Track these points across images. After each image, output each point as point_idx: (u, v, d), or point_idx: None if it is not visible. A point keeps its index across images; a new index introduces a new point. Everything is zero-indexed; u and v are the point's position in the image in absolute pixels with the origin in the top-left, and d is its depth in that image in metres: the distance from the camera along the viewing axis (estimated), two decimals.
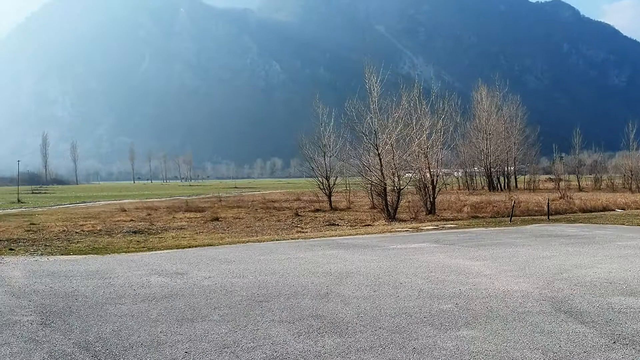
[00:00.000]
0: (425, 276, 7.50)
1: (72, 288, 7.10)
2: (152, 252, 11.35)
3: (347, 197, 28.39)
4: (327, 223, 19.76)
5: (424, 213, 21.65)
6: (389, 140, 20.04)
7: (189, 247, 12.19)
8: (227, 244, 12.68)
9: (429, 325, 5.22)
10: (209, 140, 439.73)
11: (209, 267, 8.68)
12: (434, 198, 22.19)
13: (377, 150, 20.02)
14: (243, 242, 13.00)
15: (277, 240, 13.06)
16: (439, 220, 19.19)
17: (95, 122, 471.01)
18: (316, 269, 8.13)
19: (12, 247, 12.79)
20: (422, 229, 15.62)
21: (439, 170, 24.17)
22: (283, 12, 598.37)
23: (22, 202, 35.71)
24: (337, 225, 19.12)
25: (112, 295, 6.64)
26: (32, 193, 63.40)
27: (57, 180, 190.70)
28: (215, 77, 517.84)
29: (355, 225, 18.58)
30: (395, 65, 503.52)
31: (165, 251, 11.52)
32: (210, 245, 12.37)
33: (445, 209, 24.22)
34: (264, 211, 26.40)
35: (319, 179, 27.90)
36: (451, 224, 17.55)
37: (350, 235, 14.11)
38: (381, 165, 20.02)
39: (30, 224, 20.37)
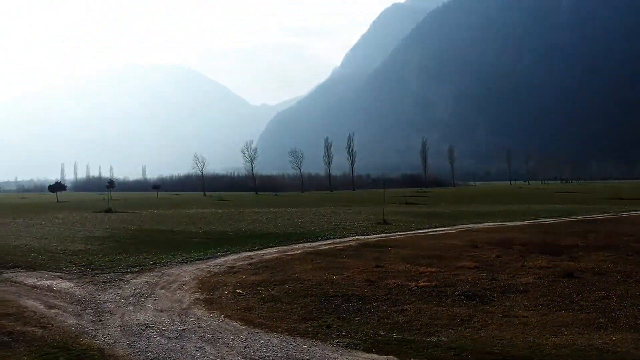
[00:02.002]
0: None
1: None
2: None
3: None
4: None
5: None
6: None
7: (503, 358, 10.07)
8: (553, 354, 10.10)
9: None
10: (594, 137, 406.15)
11: None
12: None
13: None
14: (576, 349, 10.20)
15: None
16: None
17: (473, 123, 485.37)
18: None
19: (330, 324, 12.73)
20: None
21: None
22: None
23: (387, 224, 37.82)
24: None
25: None
26: (406, 203, 67.61)
27: (437, 182, 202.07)
28: (602, 68, 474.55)
29: None
30: None
31: None
32: None
33: None
34: (638, 258, 21.63)
35: None
36: None
37: None
38: None
39: (376, 265, 20.77)
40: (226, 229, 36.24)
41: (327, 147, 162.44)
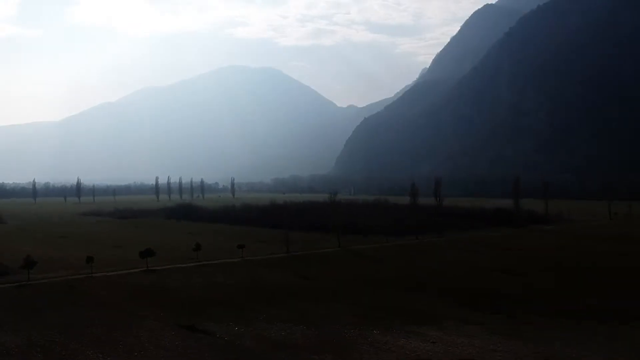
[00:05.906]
0: None
1: None
2: None
3: None
4: None
5: None
6: None
7: None
8: None
9: None
10: None
11: None
12: None
13: None
14: None
15: None
16: None
17: (570, 132, 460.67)
18: None
19: None
20: None
21: None
22: None
23: None
24: None
25: None
26: (493, 301, 62.52)
27: (529, 216, 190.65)
28: None
29: None
30: None
31: None
32: None
33: None
34: None
35: None
36: None
37: None
38: None
39: None
40: None
41: (413, 194, 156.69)
